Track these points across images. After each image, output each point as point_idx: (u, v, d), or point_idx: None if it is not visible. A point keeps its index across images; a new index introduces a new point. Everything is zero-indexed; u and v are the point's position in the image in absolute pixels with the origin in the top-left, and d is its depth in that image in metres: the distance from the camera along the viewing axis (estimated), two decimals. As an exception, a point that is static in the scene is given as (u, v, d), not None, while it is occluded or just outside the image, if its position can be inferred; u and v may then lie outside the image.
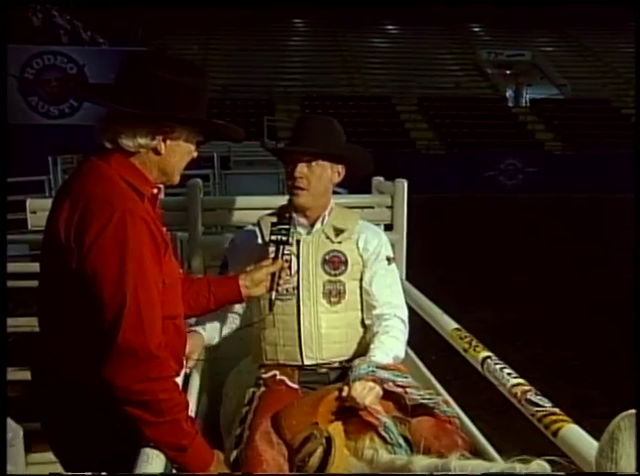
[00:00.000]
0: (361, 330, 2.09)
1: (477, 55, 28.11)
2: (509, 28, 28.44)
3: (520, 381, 1.72)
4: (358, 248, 2.09)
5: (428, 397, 1.84)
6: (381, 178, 3.25)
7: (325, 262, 2.05)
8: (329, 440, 1.68)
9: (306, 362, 2.00)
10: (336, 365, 2.04)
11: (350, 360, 2.04)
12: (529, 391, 1.64)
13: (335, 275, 2.05)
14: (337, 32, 27.77)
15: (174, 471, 1.43)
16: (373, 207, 3.02)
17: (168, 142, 1.51)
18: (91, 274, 1.37)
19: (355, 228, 2.12)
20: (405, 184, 3.01)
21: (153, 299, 1.41)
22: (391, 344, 1.97)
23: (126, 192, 1.46)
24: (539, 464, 1.17)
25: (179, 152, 1.54)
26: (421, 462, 1.46)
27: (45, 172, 9.71)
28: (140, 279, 1.38)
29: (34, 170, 9.47)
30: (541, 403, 1.57)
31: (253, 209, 3.01)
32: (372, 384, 1.77)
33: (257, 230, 2.16)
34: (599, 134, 21.55)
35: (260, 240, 2.12)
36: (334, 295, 2.04)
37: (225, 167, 10.71)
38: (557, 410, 1.54)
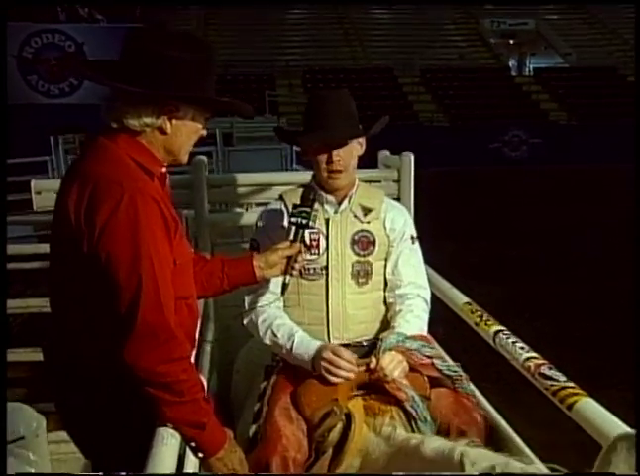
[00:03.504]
0: (383, 309, 2.08)
1: (480, 24, 27.68)
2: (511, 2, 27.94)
3: (533, 354, 1.72)
4: (385, 228, 2.07)
5: (454, 369, 1.84)
6: (387, 152, 3.22)
7: (354, 242, 2.03)
8: (348, 417, 1.69)
9: (332, 342, 1.98)
10: (357, 343, 2.04)
11: (371, 339, 2.04)
12: (542, 364, 1.64)
13: (363, 255, 2.03)
14: (338, 4, 27.33)
15: (190, 451, 1.43)
16: (380, 181, 2.99)
17: (174, 121, 1.48)
18: (105, 256, 1.35)
19: (382, 207, 2.09)
20: (412, 158, 2.98)
21: (167, 279, 1.40)
22: (415, 323, 1.96)
23: (135, 172, 1.44)
24: (537, 468, 1.17)
25: (186, 131, 1.52)
26: (432, 444, 1.48)
27: (46, 152, 9.68)
28: (154, 258, 1.36)
29: (35, 150, 9.43)
30: (554, 376, 1.57)
31: (258, 186, 3.00)
32: (400, 357, 1.78)
33: (282, 208, 2.10)
34: (605, 103, 21.31)
35: (286, 219, 2.05)
36: (362, 275, 2.02)
37: (228, 143, 10.65)
38: (571, 383, 1.54)
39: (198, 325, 1.75)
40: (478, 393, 1.99)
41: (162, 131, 1.48)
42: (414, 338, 1.84)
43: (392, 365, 1.76)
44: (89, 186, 1.39)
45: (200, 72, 1.48)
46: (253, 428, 1.84)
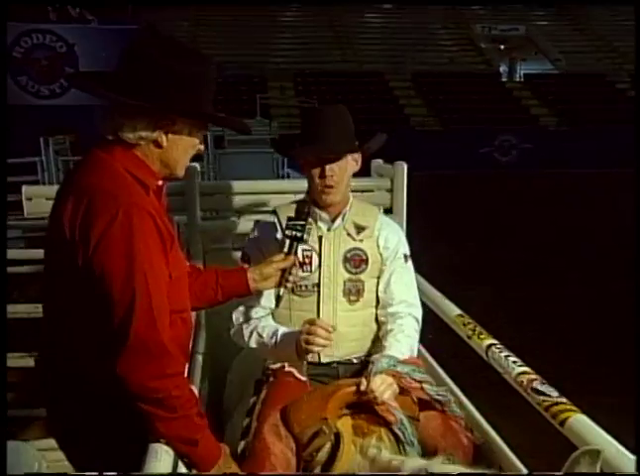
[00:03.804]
0: (374, 327, 2.08)
1: (471, 29, 27.83)
2: (503, 2, 28.11)
3: (525, 369, 1.72)
4: (378, 246, 2.07)
5: (442, 393, 1.85)
6: (381, 161, 3.22)
7: (346, 260, 2.03)
8: (337, 436, 1.68)
9: (323, 360, 2.00)
10: (348, 361, 2.04)
11: (361, 357, 2.05)
12: (535, 380, 1.64)
13: (355, 273, 2.03)
14: (329, 7, 27.35)
15: (183, 466, 1.43)
16: (372, 190, 2.99)
17: (170, 135, 1.47)
18: (99, 270, 1.35)
19: (375, 225, 2.09)
20: (405, 167, 2.98)
21: (162, 294, 1.40)
22: (406, 342, 1.97)
23: (131, 185, 1.43)
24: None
25: (182, 145, 1.51)
26: (410, 464, 1.48)
27: (36, 153, 9.60)
28: (149, 274, 1.36)
29: (25, 151, 9.36)
30: (547, 392, 1.57)
31: (251, 194, 3.00)
32: (390, 379, 1.78)
33: (275, 221, 2.11)
34: (594, 109, 21.46)
35: (279, 233, 2.07)
36: (353, 293, 2.03)
37: (219, 146, 10.62)
38: (563, 399, 1.54)
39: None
40: (467, 402, 1.99)
41: (158, 144, 1.47)
42: (405, 362, 1.85)
43: (382, 387, 1.75)
44: (84, 200, 1.38)
45: (198, 86, 1.47)
46: (242, 444, 1.82)
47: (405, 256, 2.11)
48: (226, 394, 2.49)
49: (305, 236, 1.90)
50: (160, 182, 1.55)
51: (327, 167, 1.97)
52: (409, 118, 21.97)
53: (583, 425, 1.42)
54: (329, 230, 2.05)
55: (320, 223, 2.05)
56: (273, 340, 1.93)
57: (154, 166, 1.50)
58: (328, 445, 1.68)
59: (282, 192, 3.05)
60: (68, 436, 1.60)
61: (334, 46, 26.06)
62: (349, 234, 2.05)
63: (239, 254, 3.05)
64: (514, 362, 1.76)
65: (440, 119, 21.81)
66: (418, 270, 2.46)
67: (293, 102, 20.98)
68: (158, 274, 1.39)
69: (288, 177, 9.77)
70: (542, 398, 1.56)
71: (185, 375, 1.47)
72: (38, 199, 2.86)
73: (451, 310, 2.24)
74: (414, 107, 22.55)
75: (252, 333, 1.99)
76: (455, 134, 20.06)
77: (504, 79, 26.10)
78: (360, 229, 2.06)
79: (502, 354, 1.83)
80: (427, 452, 1.71)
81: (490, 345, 1.91)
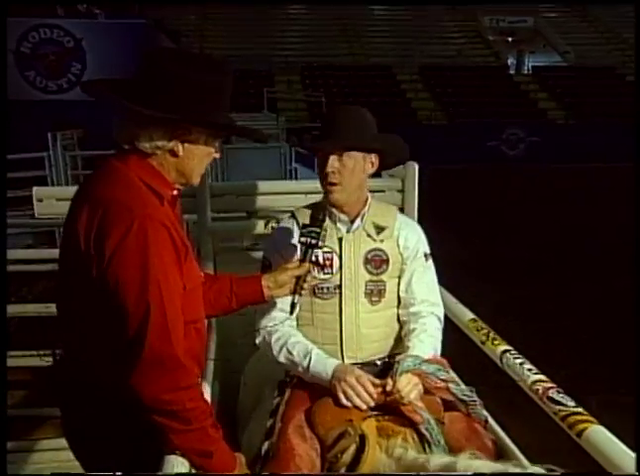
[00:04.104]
0: (396, 327, 2.07)
1: (479, 21, 27.66)
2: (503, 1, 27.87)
3: (541, 377, 1.70)
4: (398, 246, 2.05)
5: (468, 394, 1.83)
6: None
7: (367, 261, 2.01)
8: (363, 438, 1.66)
9: (346, 361, 1.97)
10: (370, 362, 2.02)
11: (384, 358, 2.03)
12: (551, 388, 1.63)
13: (377, 274, 2.01)
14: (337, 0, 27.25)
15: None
16: (383, 191, 2.98)
17: (186, 144, 1.47)
18: (113, 282, 1.34)
19: (395, 225, 2.07)
20: (416, 167, 2.95)
21: (176, 307, 1.39)
22: (429, 342, 1.94)
23: (145, 196, 1.42)
24: (535, 470, 1.17)
25: (198, 154, 1.50)
26: (436, 460, 1.47)
27: (44, 148, 9.62)
28: (163, 286, 1.35)
29: (33, 146, 9.38)
30: (563, 401, 1.56)
31: (262, 195, 2.98)
32: (416, 379, 1.76)
33: (293, 225, 2.07)
34: (603, 102, 21.32)
35: (297, 237, 2.02)
36: (375, 294, 2.01)
37: (226, 141, 10.60)
38: (580, 408, 1.53)
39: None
40: (490, 418, 1.97)
41: (174, 154, 1.46)
42: (430, 362, 1.83)
43: (408, 388, 1.74)
44: (99, 211, 1.37)
45: (215, 95, 1.46)
46: (266, 445, 1.82)
47: (426, 255, 2.09)
48: (240, 397, 2.48)
49: (320, 243, 1.89)
50: (175, 192, 1.54)
51: (329, 163, 1.95)
52: (416, 112, 21.88)
53: (601, 437, 1.40)
54: (348, 231, 2.03)
55: (339, 225, 2.03)
56: (306, 363, 1.90)
57: (169, 175, 1.49)
58: (353, 447, 1.66)
59: (292, 193, 3.05)
60: (81, 442, 1.60)
61: (341, 39, 25.98)
62: (369, 235, 2.03)
63: (249, 255, 3.07)
64: (529, 370, 1.75)
65: (447, 113, 21.73)
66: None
67: (300, 96, 20.92)
68: (172, 286, 1.38)
69: (296, 171, 9.77)
70: (558, 407, 1.54)
71: (199, 386, 1.46)
72: (48, 200, 2.86)
73: (464, 315, 2.22)
74: (421, 101, 22.47)
75: (281, 349, 1.96)
76: (462, 127, 19.98)
77: (512, 72, 25.97)
78: (379, 229, 2.04)
79: (517, 361, 1.81)
80: (452, 454, 1.69)
81: (505, 351, 1.89)
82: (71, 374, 1.53)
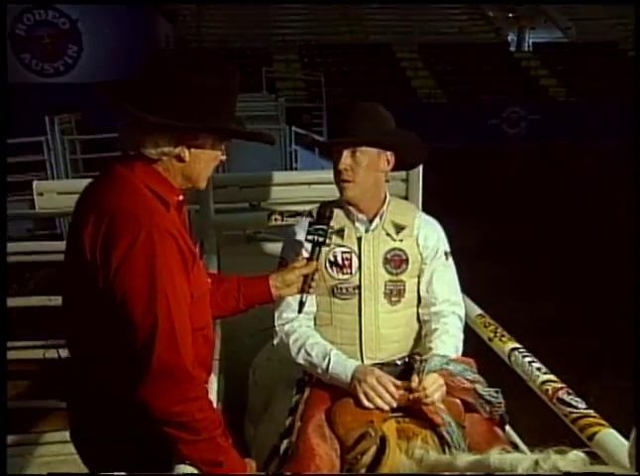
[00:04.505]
0: (416, 327, 2.04)
1: (479, -3, 27.28)
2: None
3: (550, 377, 1.69)
4: (418, 245, 2.02)
5: (494, 395, 1.81)
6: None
7: (386, 261, 1.97)
8: (383, 440, 1.65)
9: (366, 362, 1.96)
10: (390, 362, 2.01)
11: (404, 357, 2.02)
12: (560, 389, 1.62)
13: (396, 274, 1.98)
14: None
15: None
16: (387, 181, 2.95)
17: (193, 149, 1.44)
18: (120, 293, 1.32)
19: (414, 223, 2.04)
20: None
21: (184, 317, 1.38)
22: (451, 343, 1.91)
23: (152, 204, 1.40)
24: (576, 455, 1.14)
25: (204, 159, 1.47)
26: (464, 458, 1.44)
27: (41, 131, 9.54)
28: (171, 297, 1.33)
29: (30, 130, 9.30)
30: (574, 403, 1.55)
31: (265, 186, 2.96)
32: (442, 381, 1.74)
33: (308, 224, 2.01)
34: (605, 79, 21.10)
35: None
36: (395, 294, 1.98)
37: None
38: (591, 411, 1.52)
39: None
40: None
41: (180, 159, 1.44)
42: (457, 362, 1.81)
43: (434, 387, 1.71)
44: (105, 220, 1.35)
45: (222, 99, 1.43)
46: (284, 444, 1.81)
47: (446, 253, 2.06)
48: (250, 397, 2.46)
49: (327, 240, 1.87)
50: (181, 197, 1.51)
51: (341, 160, 1.92)
52: (416, 90, 21.69)
53: (612, 441, 1.40)
54: (367, 231, 2.00)
55: (358, 224, 2.00)
56: (325, 365, 1.88)
57: (175, 180, 1.47)
58: (373, 449, 1.65)
59: (295, 183, 3.02)
60: (85, 444, 1.60)
61: (340, 17, 25.64)
62: (388, 234, 1.99)
63: (253, 246, 3.05)
64: (538, 369, 1.74)
65: (447, 91, 21.54)
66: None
67: (299, 75, 20.72)
68: (180, 297, 1.36)
69: (296, 153, 9.71)
70: (569, 409, 1.54)
71: (208, 396, 1.44)
72: (49, 194, 2.84)
73: (472, 310, 2.21)
74: (421, 79, 22.26)
75: (300, 350, 1.94)
76: (462, 106, 19.83)
77: (513, 49, 25.69)
78: (399, 229, 2.00)
79: (526, 359, 1.80)
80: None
81: (513, 349, 1.88)
82: (78, 381, 1.51)
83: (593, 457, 1.15)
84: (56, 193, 2.82)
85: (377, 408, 1.75)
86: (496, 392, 1.83)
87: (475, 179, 12.52)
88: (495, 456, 1.36)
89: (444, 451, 1.66)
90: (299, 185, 2.97)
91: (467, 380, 1.77)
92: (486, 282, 6.70)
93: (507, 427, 1.92)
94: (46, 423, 3.38)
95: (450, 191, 10.86)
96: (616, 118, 17.41)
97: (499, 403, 1.80)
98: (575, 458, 1.13)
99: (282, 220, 2.96)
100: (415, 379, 1.73)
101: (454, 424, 1.70)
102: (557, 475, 1.07)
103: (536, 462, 1.15)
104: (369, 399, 1.75)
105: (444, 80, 21.91)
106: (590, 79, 21.32)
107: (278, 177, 3.02)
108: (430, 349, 1.88)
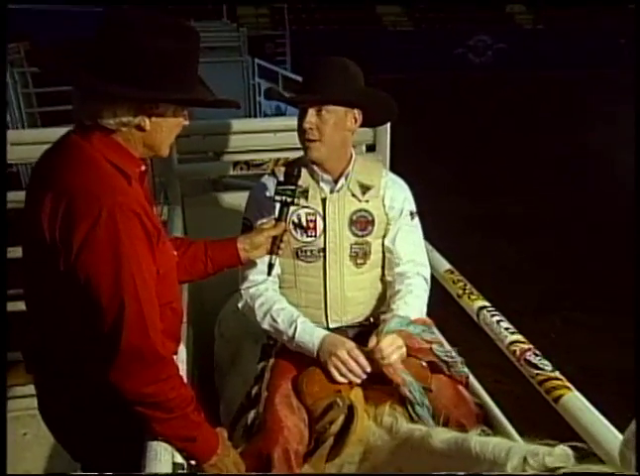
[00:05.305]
0: (381, 287, 2.04)
1: None
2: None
3: (518, 337, 1.72)
4: (384, 206, 1.99)
5: (451, 355, 1.83)
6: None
7: (352, 223, 1.94)
8: (351, 409, 1.67)
9: (331, 325, 1.96)
10: (355, 324, 2.01)
11: (370, 318, 2.02)
12: (528, 350, 1.65)
13: (362, 236, 1.95)
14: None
15: (182, 459, 1.42)
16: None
17: (154, 118, 1.36)
18: (84, 277, 1.26)
19: (381, 183, 1.99)
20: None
21: (152, 298, 1.33)
22: (415, 304, 1.91)
23: (113, 180, 1.32)
24: (563, 450, 1.17)
25: (166, 127, 1.40)
26: (441, 435, 1.46)
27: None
28: (137, 279, 1.29)
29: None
30: (541, 365, 1.58)
31: (229, 134, 2.87)
32: (400, 342, 1.74)
33: (273, 183, 1.96)
34: (573, 4, 20.78)
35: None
36: (360, 256, 1.96)
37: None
38: (557, 373, 1.55)
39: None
40: (474, 380, 2.00)
41: (141, 128, 1.36)
42: (416, 323, 1.81)
43: (391, 349, 1.71)
44: (64, 199, 1.27)
45: (183, 65, 1.34)
46: (251, 414, 1.81)
47: (412, 213, 2.04)
48: (216, 349, 2.47)
49: (295, 200, 1.83)
50: (144, 168, 1.44)
51: (306, 118, 1.85)
52: (381, 17, 21.08)
53: (577, 405, 1.43)
54: (332, 192, 1.95)
55: (322, 185, 1.96)
56: (291, 332, 1.85)
57: (136, 150, 1.39)
58: (341, 418, 1.68)
59: (261, 131, 2.94)
60: (63, 434, 1.59)
61: (302, -63, 24.44)
62: (354, 195, 1.95)
63: (218, 196, 2.99)
64: (507, 329, 1.76)
65: (413, 19, 21.00)
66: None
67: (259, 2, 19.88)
68: (146, 277, 1.32)
69: (259, 86, 9.42)
70: (536, 371, 1.57)
71: (179, 374, 1.42)
72: (22, 146, 2.68)
73: (441, 265, 2.21)
74: (386, 5, 21.59)
75: (265, 315, 1.92)
76: (428, 34, 19.41)
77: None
78: (365, 189, 1.96)
79: (494, 319, 1.83)
80: (439, 422, 1.71)
81: (482, 308, 1.90)
82: (43, 358, 1.47)
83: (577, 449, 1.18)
84: (10, 144, 2.68)
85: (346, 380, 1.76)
86: (453, 351, 1.86)
87: (440, 110, 12.38)
88: (477, 439, 1.37)
89: (411, 418, 1.69)
90: (265, 133, 2.88)
91: (424, 340, 1.78)
92: (456, 218, 6.80)
93: (484, 393, 1.95)
94: (14, 377, 3.34)
95: (417, 123, 10.78)
96: (587, 46, 17.35)
97: (455, 362, 1.83)
98: (561, 453, 1.15)
99: (248, 170, 2.90)
100: (373, 339, 1.73)
101: (415, 384, 1.71)
102: (558, 475, 1.08)
103: (524, 459, 1.17)
104: (341, 373, 1.76)
105: (409, 7, 21.31)
106: (558, 4, 20.96)
107: (244, 124, 2.93)
108: (393, 311, 1.88)
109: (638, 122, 5.98)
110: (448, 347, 1.86)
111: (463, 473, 1.28)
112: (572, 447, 1.17)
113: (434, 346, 1.80)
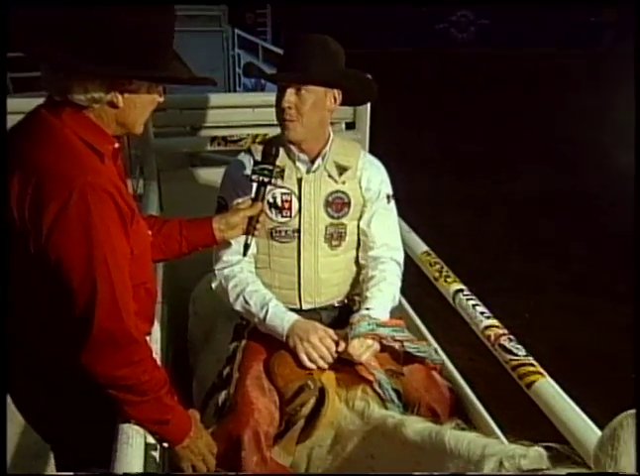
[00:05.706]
0: (356, 270, 2.02)
1: None
2: None
3: (493, 322, 1.73)
4: (361, 188, 1.96)
5: (423, 349, 1.84)
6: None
7: (328, 204, 1.92)
8: (322, 391, 1.67)
9: (304, 307, 1.94)
10: (329, 306, 2.00)
11: (343, 300, 2.01)
12: (502, 335, 1.66)
13: (337, 218, 1.93)
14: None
15: (154, 442, 1.41)
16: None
17: (126, 95, 1.30)
18: (55, 259, 1.22)
19: (358, 165, 1.97)
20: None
21: (125, 280, 1.30)
22: (389, 292, 1.91)
23: (84, 159, 1.27)
24: (537, 451, 1.18)
25: (140, 104, 1.34)
26: (414, 425, 1.45)
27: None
28: (110, 261, 1.25)
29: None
30: (515, 350, 1.59)
31: (207, 108, 2.81)
32: (369, 342, 1.74)
33: (249, 161, 1.93)
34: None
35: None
36: (335, 238, 1.94)
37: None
38: (530, 359, 1.56)
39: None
40: (447, 361, 2.01)
41: (113, 105, 1.30)
42: (385, 324, 1.80)
43: (360, 351, 1.73)
44: (32, 178, 1.22)
45: (157, 41, 1.29)
46: (222, 395, 1.80)
47: (388, 196, 2.02)
48: (190, 327, 2.46)
49: (273, 180, 1.80)
50: (117, 145, 1.39)
51: (284, 98, 1.81)
52: (365, -11, 20.81)
53: (549, 391, 1.45)
54: (308, 172, 1.92)
55: (299, 164, 1.92)
56: (262, 315, 1.84)
57: (109, 127, 1.34)
58: (312, 400, 1.67)
59: (239, 106, 2.89)
60: (34, 417, 1.56)
61: None
62: (330, 176, 1.93)
63: (194, 171, 2.94)
64: (482, 313, 1.77)
65: (396, -9, 20.75)
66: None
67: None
68: (119, 259, 1.28)
69: (239, 57, 9.26)
70: (509, 356, 1.58)
71: (152, 356, 1.40)
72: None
73: (418, 246, 2.21)
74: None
75: (238, 297, 1.89)
76: (410, 9, 19.21)
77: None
78: (342, 170, 1.94)
79: (470, 302, 1.83)
80: (410, 405, 1.72)
81: (458, 291, 1.91)
82: (16, 347, 1.44)
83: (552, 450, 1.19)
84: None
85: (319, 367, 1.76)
86: (425, 346, 1.88)
87: (424, 86, 12.31)
88: (451, 433, 1.36)
89: (383, 401, 1.70)
90: (243, 109, 2.83)
91: (396, 341, 1.79)
92: (434, 192, 6.82)
93: (457, 376, 1.96)
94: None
95: (399, 99, 10.70)
96: (572, 24, 17.33)
97: (428, 353, 1.84)
98: (536, 455, 1.16)
99: (225, 145, 2.85)
100: (342, 344, 1.75)
101: (384, 381, 1.72)
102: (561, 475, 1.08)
103: (500, 463, 1.18)
104: (311, 360, 1.75)
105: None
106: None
107: (222, 99, 2.88)
108: (367, 298, 1.88)
109: (638, 122, 6.03)
110: (418, 344, 1.86)
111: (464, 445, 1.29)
112: (546, 448, 1.17)
113: (406, 344, 1.80)
